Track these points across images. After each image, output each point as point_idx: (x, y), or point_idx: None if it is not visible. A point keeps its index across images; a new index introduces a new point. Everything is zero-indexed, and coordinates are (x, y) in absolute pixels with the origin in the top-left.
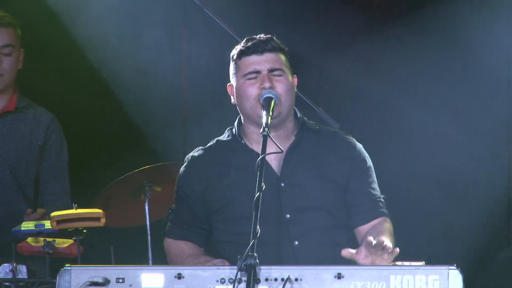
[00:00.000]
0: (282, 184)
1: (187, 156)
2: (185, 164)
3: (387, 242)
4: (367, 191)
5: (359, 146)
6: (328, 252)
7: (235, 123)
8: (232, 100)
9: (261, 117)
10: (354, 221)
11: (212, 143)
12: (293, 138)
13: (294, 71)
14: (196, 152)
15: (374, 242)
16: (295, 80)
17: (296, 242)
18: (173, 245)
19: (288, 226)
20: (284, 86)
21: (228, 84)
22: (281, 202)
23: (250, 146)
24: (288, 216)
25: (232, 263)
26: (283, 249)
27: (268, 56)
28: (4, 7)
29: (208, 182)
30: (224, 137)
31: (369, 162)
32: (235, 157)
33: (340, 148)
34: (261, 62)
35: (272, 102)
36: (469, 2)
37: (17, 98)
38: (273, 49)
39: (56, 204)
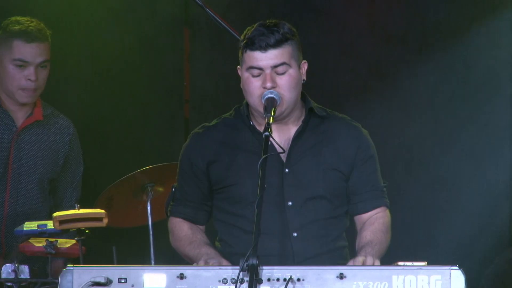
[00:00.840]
0: (286, 170)
1: (191, 132)
2: (188, 140)
3: (372, 262)
4: (370, 180)
5: (365, 133)
6: (325, 246)
7: (244, 102)
8: (241, 84)
9: (263, 114)
10: (355, 209)
11: (217, 121)
12: (300, 123)
13: (303, 56)
14: (201, 129)
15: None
16: (304, 66)
17: (295, 234)
18: (177, 227)
19: (288, 216)
20: (287, 83)
21: (238, 66)
22: (284, 188)
23: (258, 128)
24: (290, 203)
25: (227, 245)
26: (281, 240)
27: (272, 52)
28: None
29: (212, 159)
30: (231, 115)
31: (373, 150)
32: (242, 138)
33: (345, 135)
34: (265, 59)
35: (274, 103)
36: (472, 1)
37: (41, 105)
38: (278, 43)
39: None
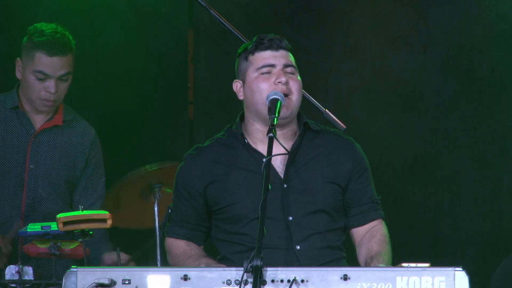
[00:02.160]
0: (285, 186)
1: (186, 154)
2: (183, 162)
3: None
4: (365, 192)
5: (358, 146)
6: (327, 256)
7: (237, 120)
8: (240, 96)
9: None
10: (351, 223)
11: (211, 141)
12: (295, 138)
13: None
14: (194, 151)
15: None
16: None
17: (298, 247)
18: (174, 245)
19: (290, 230)
20: (297, 84)
21: (235, 81)
22: (283, 204)
23: (253, 145)
24: (290, 218)
25: (230, 262)
26: (285, 253)
27: (283, 52)
28: (7, 7)
29: (209, 180)
30: (224, 135)
31: (368, 163)
32: (238, 157)
33: (340, 149)
34: (277, 57)
35: (278, 104)
36: (476, 2)
37: (63, 110)
38: (286, 47)
39: None
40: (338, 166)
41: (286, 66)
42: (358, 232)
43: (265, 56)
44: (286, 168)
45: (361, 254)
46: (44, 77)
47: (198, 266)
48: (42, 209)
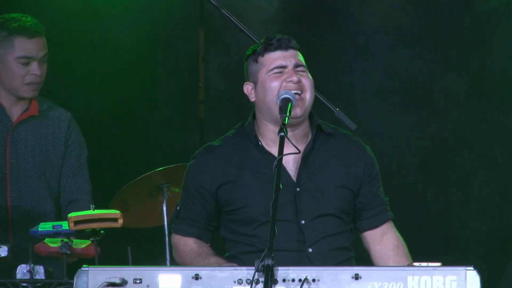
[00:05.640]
0: (298, 189)
1: (196, 152)
2: (193, 161)
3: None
4: (376, 196)
5: (368, 149)
6: (338, 258)
7: (250, 120)
8: (251, 98)
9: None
10: (363, 226)
11: (221, 141)
12: (308, 140)
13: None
14: (205, 150)
15: None
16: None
17: (310, 250)
18: (181, 242)
19: (303, 233)
20: (309, 81)
21: (245, 83)
22: (296, 207)
23: (266, 147)
24: (303, 222)
25: (239, 261)
26: (297, 256)
27: (292, 52)
28: (19, 7)
29: (221, 181)
30: (236, 135)
31: (377, 166)
32: (250, 158)
33: (351, 152)
34: (287, 57)
35: (289, 103)
36: (487, 1)
37: (38, 101)
38: (295, 47)
39: (78, 205)
40: (350, 170)
41: (296, 65)
42: (371, 235)
43: (276, 57)
44: (298, 171)
45: (377, 251)
46: (27, 61)
47: (207, 264)
48: (29, 204)
